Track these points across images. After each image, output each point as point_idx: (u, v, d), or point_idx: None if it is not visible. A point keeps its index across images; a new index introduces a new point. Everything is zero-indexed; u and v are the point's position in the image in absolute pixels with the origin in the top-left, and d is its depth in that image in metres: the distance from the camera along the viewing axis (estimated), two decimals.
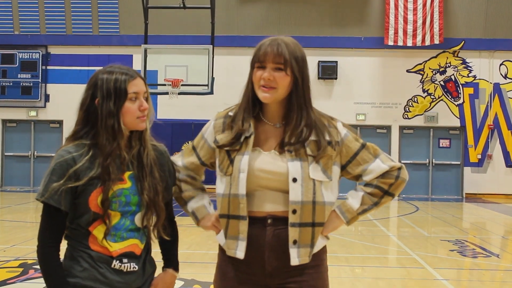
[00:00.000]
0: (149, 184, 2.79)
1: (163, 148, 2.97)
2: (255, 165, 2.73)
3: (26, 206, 16.17)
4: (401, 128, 21.52)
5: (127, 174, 2.77)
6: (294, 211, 2.69)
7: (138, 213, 2.78)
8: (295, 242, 2.71)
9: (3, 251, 9.19)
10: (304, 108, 2.76)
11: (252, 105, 2.81)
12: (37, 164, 22.00)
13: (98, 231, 2.72)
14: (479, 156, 21.23)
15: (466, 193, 21.19)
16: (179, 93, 15.96)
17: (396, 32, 20.77)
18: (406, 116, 21.41)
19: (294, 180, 2.69)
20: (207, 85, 15.75)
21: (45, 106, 21.84)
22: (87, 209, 2.69)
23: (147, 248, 2.87)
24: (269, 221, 2.73)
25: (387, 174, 2.86)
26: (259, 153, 2.76)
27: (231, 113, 2.88)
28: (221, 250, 2.89)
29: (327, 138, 2.77)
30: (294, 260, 2.72)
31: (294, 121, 2.75)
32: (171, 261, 2.99)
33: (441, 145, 21.58)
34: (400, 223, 14.33)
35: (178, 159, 3.02)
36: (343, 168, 2.85)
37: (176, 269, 2.99)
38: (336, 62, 21.10)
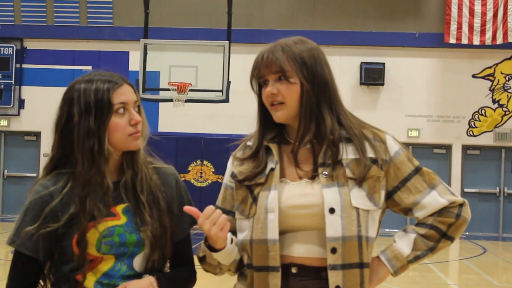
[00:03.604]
0: (152, 217, 2.75)
1: (170, 171, 2.94)
2: (283, 201, 2.69)
3: None
4: (465, 147, 21.41)
5: (120, 207, 2.76)
6: (333, 250, 2.64)
7: (138, 255, 2.75)
8: None
9: None
10: (326, 116, 2.73)
11: (269, 128, 2.81)
12: (8, 186, 22.11)
13: (87, 280, 2.70)
14: None
15: None
16: (186, 100, 16.01)
17: (459, 28, 20.72)
18: (471, 132, 21.31)
19: (332, 210, 2.65)
20: (221, 91, 15.80)
21: (18, 114, 22.00)
22: (72, 254, 2.68)
23: None
24: (293, 270, 2.70)
25: (446, 211, 2.79)
26: (287, 184, 2.74)
27: (249, 143, 2.88)
28: None
29: (371, 155, 2.74)
30: None
31: (326, 135, 2.72)
32: (160, 274, 2.81)
33: None
34: (462, 268, 14.22)
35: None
36: (389, 195, 2.80)
37: (159, 281, 2.76)
38: (383, 64, 21.07)
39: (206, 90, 16.12)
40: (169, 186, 2.89)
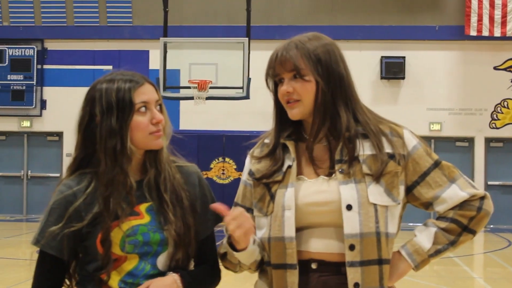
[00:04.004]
0: (175, 216, 2.76)
1: (193, 169, 2.95)
2: (300, 198, 2.70)
3: (18, 239, 16.36)
4: (487, 140, 21.29)
5: (143, 206, 2.77)
6: (351, 247, 2.64)
7: (161, 254, 2.76)
8: (357, 285, 2.65)
9: None
10: (342, 113, 2.73)
11: (286, 125, 2.81)
12: (31, 187, 22.23)
13: (111, 279, 2.72)
14: None
15: None
16: (207, 98, 16.02)
17: (480, 19, 20.61)
18: (493, 125, 21.19)
19: (349, 207, 2.65)
20: (242, 88, 15.80)
21: (41, 115, 22.12)
22: (96, 253, 2.70)
23: None
24: (313, 265, 2.70)
25: (467, 204, 2.77)
26: (304, 182, 2.74)
27: (267, 140, 2.89)
28: None
29: (388, 150, 2.73)
30: None
31: (342, 132, 2.72)
32: (184, 272, 2.82)
33: None
34: (487, 262, 14.15)
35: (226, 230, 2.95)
36: (409, 190, 2.80)
37: (183, 279, 2.78)
38: (404, 57, 20.99)
39: (226, 87, 16.13)
40: (192, 184, 2.90)
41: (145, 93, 2.75)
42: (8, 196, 22.28)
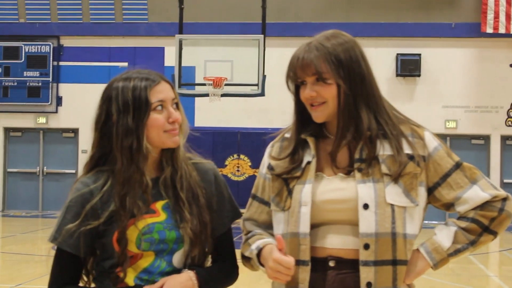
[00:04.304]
0: (191, 214, 2.76)
1: (209, 166, 2.95)
2: (318, 195, 2.70)
3: (34, 235, 16.42)
4: (504, 138, 21.21)
5: (160, 204, 2.77)
6: (366, 246, 2.64)
7: (177, 251, 2.76)
8: (369, 285, 2.64)
9: None
10: (363, 114, 2.72)
11: (306, 124, 2.81)
12: (47, 183, 22.34)
13: (127, 276, 2.73)
14: None
15: None
16: (222, 95, 16.04)
17: (496, 17, 20.52)
18: (509, 123, 21.10)
19: (365, 206, 2.64)
20: (257, 85, 15.80)
21: (56, 111, 22.22)
22: (113, 251, 2.72)
23: None
24: (331, 263, 2.70)
25: (488, 205, 2.75)
26: (322, 179, 2.74)
27: (287, 135, 2.89)
28: None
29: (408, 151, 2.72)
30: None
31: (363, 132, 2.71)
32: (199, 269, 2.82)
33: None
34: (503, 260, 14.10)
35: (243, 225, 2.96)
36: (430, 191, 2.79)
37: (199, 275, 2.77)
38: (419, 55, 20.95)
39: (241, 84, 16.13)
40: (208, 181, 2.90)
41: (162, 92, 2.75)
42: (24, 192, 22.39)
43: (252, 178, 20.70)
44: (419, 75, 20.99)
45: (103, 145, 2.78)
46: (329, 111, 2.72)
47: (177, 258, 2.77)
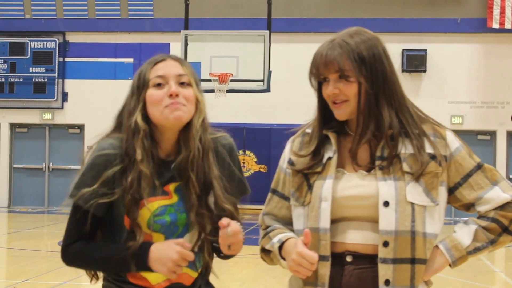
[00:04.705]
0: (200, 197, 2.74)
1: (225, 140, 2.94)
2: (338, 191, 2.70)
3: (40, 231, 16.45)
4: (510, 133, 21.19)
5: (172, 186, 2.77)
6: (385, 244, 2.64)
7: (187, 234, 2.76)
8: (387, 282, 2.65)
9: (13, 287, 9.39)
10: (385, 112, 2.73)
11: (329, 120, 2.80)
12: (53, 179, 22.38)
13: None
14: None
15: None
16: (228, 91, 16.04)
17: (502, 12, 20.48)
18: None
19: (386, 204, 2.64)
20: (263, 81, 15.80)
21: (62, 107, 22.25)
22: (122, 226, 2.71)
23: (204, 274, 2.83)
24: (348, 258, 2.70)
25: (509, 206, 2.76)
26: (343, 175, 2.74)
27: (308, 130, 2.88)
28: None
29: (430, 150, 2.73)
30: None
31: (384, 130, 2.72)
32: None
33: None
34: (509, 256, 14.09)
35: (262, 219, 2.95)
36: (451, 191, 2.79)
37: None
38: (425, 50, 20.92)
39: (247, 80, 16.13)
40: (222, 159, 2.88)
41: (163, 68, 2.76)
42: (30, 188, 22.44)
43: (258, 174, 20.72)
44: (425, 71, 20.97)
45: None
46: (351, 109, 2.72)
47: (186, 240, 2.72)
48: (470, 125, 21.10)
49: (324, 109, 2.81)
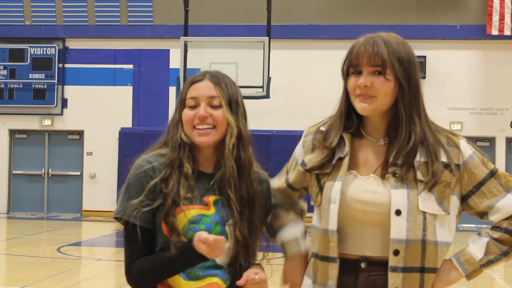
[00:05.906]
0: (242, 215, 2.82)
1: (264, 177, 3.04)
2: (348, 194, 2.71)
3: (39, 237, 16.42)
4: (509, 140, 21.19)
5: (212, 198, 2.83)
6: (396, 252, 2.65)
7: None
8: None
9: None
10: (415, 120, 2.73)
11: (347, 118, 2.80)
12: (52, 185, 22.32)
13: None
14: None
15: None
16: None
17: (502, 19, 20.49)
18: None
19: (398, 212, 2.64)
20: (262, 87, 15.81)
21: (62, 113, 22.23)
22: (160, 233, 2.76)
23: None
24: (362, 265, 2.71)
25: None
26: (355, 177, 2.74)
27: (323, 128, 2.88)
28: None
29: (444, 159, 2.72)
30: None
31: (402, 136, 2.71)
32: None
33: None
34: (508, 262, 14.02)
35: (273, 181, 3.06)
36: (463, 200, 2.79)
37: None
38: (425, 57, 20.92)
39: (246, 87, 16.11)
40: (262, 192, 2.97)
41: (197, 89, 2.85)
42: (29, 194, 22.41)
43: None
44: (424, 77, 20.96)
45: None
46: (376, 106, 2.71)
47: None
48: (469, 131, 21.08)
49: (348, 104, 2.79)
